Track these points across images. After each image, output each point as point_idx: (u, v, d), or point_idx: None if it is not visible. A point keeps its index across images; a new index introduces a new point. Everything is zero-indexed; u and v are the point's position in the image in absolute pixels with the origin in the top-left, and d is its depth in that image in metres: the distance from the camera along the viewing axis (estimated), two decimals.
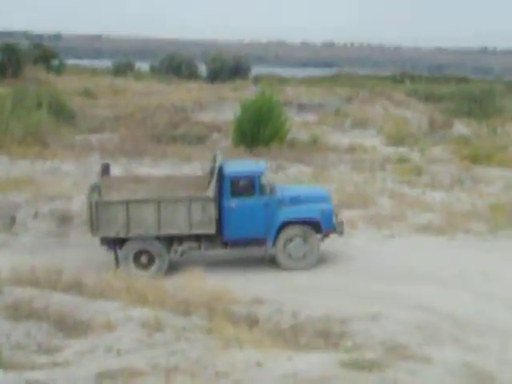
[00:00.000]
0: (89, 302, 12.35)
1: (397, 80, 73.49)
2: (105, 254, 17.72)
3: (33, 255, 16.83)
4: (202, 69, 74.40)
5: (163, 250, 16.97)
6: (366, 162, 28.55)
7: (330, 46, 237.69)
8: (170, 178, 20.12)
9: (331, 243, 18.04)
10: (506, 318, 13.25)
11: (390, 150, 31.60)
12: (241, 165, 18.97)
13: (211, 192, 16.79)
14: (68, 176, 24.85)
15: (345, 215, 19.49)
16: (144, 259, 16.86)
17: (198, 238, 17.22)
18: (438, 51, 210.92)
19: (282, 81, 61.63)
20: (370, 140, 34.55)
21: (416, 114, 42.79)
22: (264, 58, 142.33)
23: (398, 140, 34.13)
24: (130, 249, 16.87)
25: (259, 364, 9.50)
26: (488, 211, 21.59)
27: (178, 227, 16.85)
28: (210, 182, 17.23)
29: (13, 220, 19.92)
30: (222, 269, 16.89)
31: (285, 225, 17.28)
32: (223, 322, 11.76)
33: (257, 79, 62.58)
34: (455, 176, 26.33)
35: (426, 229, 20.09)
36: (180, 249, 17.25)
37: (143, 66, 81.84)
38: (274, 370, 9.33)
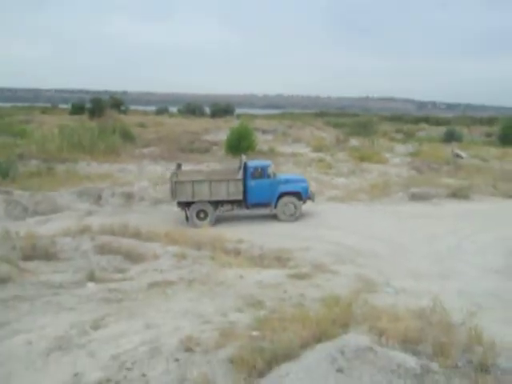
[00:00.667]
0: (143, 243, 12.23)
1: (317, 115, 73.72)
2: (151, 217, 17.56)
3: (111, 217, 16.59)
4: (207, 110, 73.76)
5: (213, 209, 16.80)
6: (301, 161, 28.42)
7: (279, 96, 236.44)
8: (214, 169, 20.12)
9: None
10: (380, 248, 13.37)
11: (314, 155, 31.50)
12: (257, 161, 18.74)
13: (240, 176, 16.83)
14: (131, 172, 24.55)
15: None
16: (202, 215, 16.73)
17: (232, 203, 17.12)
18: (339, 98, 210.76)
19: (253, 116, 61.14)
20: (303, 149, 34.44)
21: (329, 135, 42.76)
22: (242, 103, 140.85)
23: (318, 149, 33.99)
24: (194, 209, 16.70)
25: (241, 276, 9.50)
26: (369, 188, 21.69)
27: (221, 195, 16.75)
28: (238, 171, 17.21)
29: (99, 197, 19.60)
30: (220, 224, 16.79)
31: (281, 195, 17.13)
32: (220, 253, 11.73)
33: (238, 116, 62.09)
34: (351, 169, 26.33)
35: (334, 199, 20.12)
36: (222, 209, 17.14)
37: (174, 109, 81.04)
38: (250, 279, 9.33)
